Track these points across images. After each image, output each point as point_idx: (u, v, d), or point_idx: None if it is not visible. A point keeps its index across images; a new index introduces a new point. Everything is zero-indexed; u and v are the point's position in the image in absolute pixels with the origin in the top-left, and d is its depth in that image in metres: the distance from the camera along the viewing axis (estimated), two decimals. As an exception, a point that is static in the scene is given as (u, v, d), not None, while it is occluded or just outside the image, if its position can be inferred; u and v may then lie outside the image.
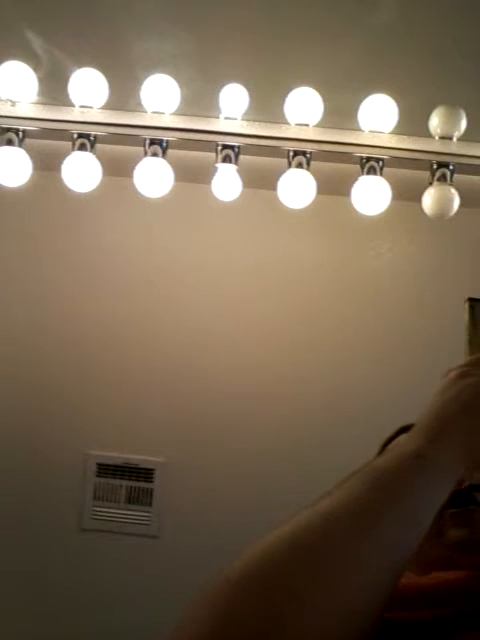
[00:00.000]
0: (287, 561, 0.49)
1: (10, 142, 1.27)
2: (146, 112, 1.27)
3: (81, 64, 1.27)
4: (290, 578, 0.48)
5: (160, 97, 1.27)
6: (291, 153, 1.27)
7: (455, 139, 1.27)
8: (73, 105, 1.27)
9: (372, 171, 1.26)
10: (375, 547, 0.50)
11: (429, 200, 1.28)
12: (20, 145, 1.27)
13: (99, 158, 1.28)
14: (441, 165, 1.27)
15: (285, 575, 0.48)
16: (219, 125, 1.26)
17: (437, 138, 1.27)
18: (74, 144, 1.27)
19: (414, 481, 0.53)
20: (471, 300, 0.68)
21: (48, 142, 1.30)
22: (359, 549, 0.50)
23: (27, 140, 1.28)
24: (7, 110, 1.26)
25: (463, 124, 1.26)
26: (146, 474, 1.41)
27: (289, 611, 0.47)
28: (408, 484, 0.53)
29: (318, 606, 0.48)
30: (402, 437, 0.58)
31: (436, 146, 1.27)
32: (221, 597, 0.48)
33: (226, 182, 1.28)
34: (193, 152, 1.30)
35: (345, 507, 0.52)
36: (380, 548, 0.50)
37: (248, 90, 1.26)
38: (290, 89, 1.25)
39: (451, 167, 1.27)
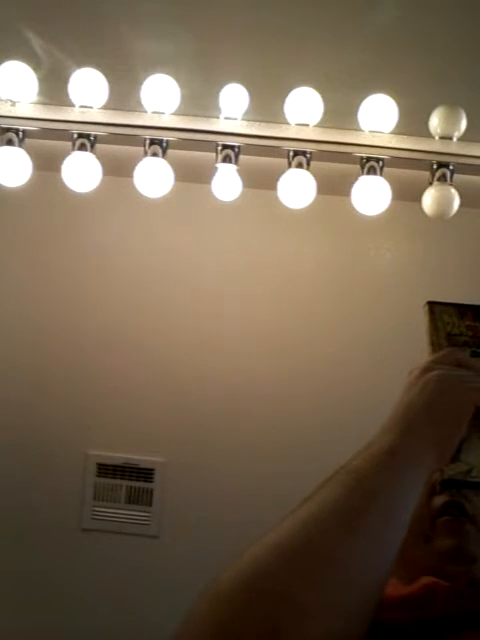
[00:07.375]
0: (276, 569, 0.49)
1: (10, 142, 1.27)
2: (146, 112, 1.27)
3: (81, 64, 1.27)
4: (282, 585, 0.49)
5: (160, 97, 1.27)
6: (291, 153, 1.27)
7: (455, 139, 1.27)
8: (73, 105, 1.27)
9: (372, 171, 1.26)
10: (358, 546, 0.51)
11: (429, 200, 1.28)
12: (20, 145, 1.28)
13: (99, 158, 1.28)
14: (441, 165, 1.27)
15: (276, 583, 0.49)
16: (219, 125, 1.26)
17: (437, 138, 1.27)
18: (74, 144, 1.27)
19: (389, 478, 0.55)
20: (430, 303, 0.70)
21: (48, 142, 1.30)
22: (343, 549, 0.51)
23: (27, 140, 1.28)
24: (7, 110, 1.26)
25: (463, 124, 1.26)
26: (146, 474, 1.41)
27: (287, 619, 0.47)
28: (384, 482, 0.54)
29: (313, 610, 0.48)
30: (375, 435, 0.59)
31: (436, 146, 1.27)
32: (216, 613, 0.48)
33: (226, 182, 1.28)
34: (193, 152, 1.30)
35: (326, 510, 0.53)
36: (363, 546, 0.52)
37: (248, 90, 1.26)
38: (290, 89, 1.25)
39: (451, 167, 1.27)
